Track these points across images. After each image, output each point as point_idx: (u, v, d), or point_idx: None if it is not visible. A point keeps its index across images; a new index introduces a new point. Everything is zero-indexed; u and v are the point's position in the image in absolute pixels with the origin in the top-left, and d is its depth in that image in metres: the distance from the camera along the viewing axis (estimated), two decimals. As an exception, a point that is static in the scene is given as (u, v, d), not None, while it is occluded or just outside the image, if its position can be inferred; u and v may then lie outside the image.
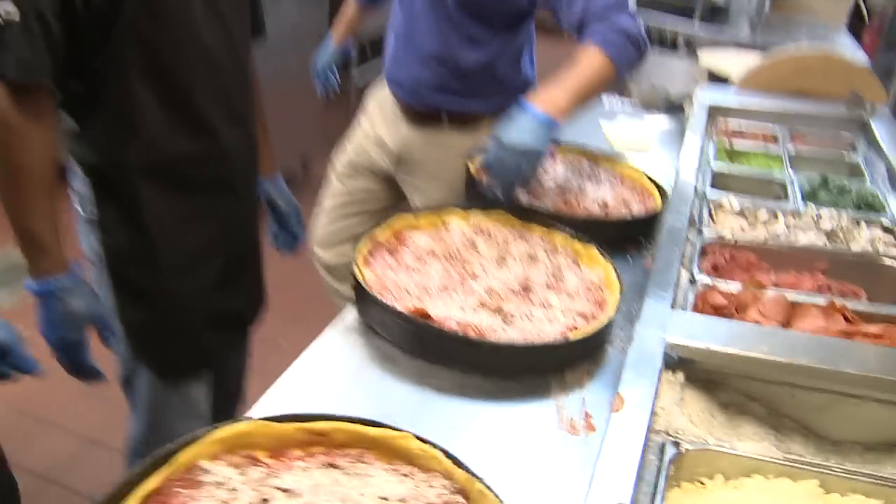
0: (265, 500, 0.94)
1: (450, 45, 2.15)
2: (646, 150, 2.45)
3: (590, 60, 1.82)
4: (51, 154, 1.50)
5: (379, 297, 1.43)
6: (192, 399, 1.81)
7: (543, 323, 1.45)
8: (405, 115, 2.32)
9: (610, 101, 3.10)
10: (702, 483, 1.12)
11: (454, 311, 1.44)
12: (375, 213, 2.50)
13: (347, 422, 1.05)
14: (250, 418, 1.04)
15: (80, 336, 1.58)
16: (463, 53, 2.15)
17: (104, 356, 1.68)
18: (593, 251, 1.69)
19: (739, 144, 2.42)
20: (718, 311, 1.44)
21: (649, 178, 2.11)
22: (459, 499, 0.99)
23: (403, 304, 1.43)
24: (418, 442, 1.04)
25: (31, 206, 1.47)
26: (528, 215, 1.80)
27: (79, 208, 1.68)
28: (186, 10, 1.54)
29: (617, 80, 1.93)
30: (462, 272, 1.58)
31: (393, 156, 2.38)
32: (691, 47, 4.81)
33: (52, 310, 1.53)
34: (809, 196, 2.00)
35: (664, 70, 4.64)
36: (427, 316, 1.40)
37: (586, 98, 1.81)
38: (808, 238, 1.78)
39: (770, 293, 1.50)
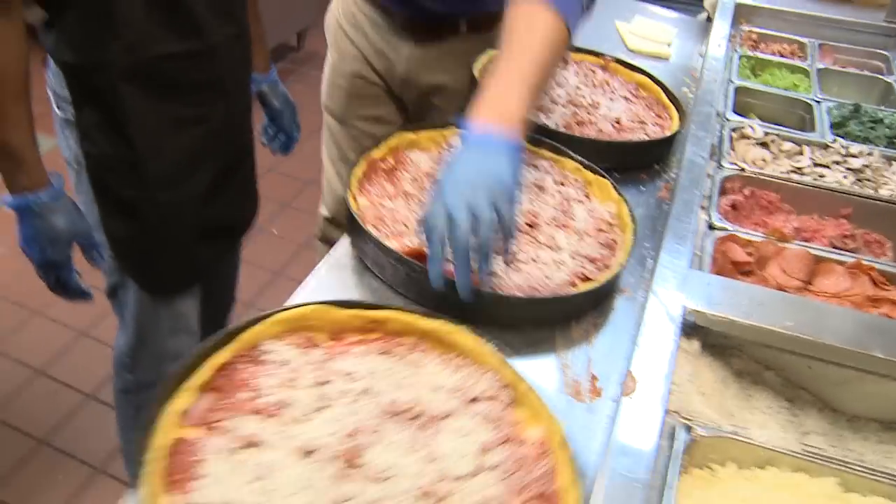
0: (325, 381, 1.00)
1: None
2: (665, 56, 2.27)
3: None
4: (20, 53, 1.33)
5: (373, 230, 1.31)
6: (180, 314, 1.71)
7: (550, 268, 1.33)
8: (407, 31, 2.01)
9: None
10: (711, 469, 1.05)
11: None
12: None
13: (404, 312, 1.10)
14: (311, 303, 1.08)
15: (64, 255, 1.47)
16: None
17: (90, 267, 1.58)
18: (606, 183, 1.56)
19: (764, 53, 2.25)
20: (739, 267, 1.34)
21: (667, 92, 1.95)
22: (506, 394, 1.04)
23: (400, 242, 1.31)
24: (471, 336, 1.08)
25: (2, 115, 1.32)
26: (536, 138, 1.65)
27: (55, 108, 1.52)
28: None
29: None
30: None
31: (396, 77, 2.10)
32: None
33: (32, 227, 1.41)
34: (838, 126, 1.85)
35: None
36: (424, 257, 1.28)
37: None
38: (834, 177, 1.66)
39: (793, 247, 1.39)
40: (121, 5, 1.36)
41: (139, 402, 1.81)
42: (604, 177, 1.55)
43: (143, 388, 1.80)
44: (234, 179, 1.70)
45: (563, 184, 1.57)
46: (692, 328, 1.18)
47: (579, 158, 1.59)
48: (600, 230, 1.45)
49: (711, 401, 1.16)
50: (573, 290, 1.29)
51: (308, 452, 0.92)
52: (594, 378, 1.19)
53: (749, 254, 1.37)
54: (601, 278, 1.32)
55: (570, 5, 1.37)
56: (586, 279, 1.33)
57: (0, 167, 1.37)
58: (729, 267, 1.31)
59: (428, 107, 2.17)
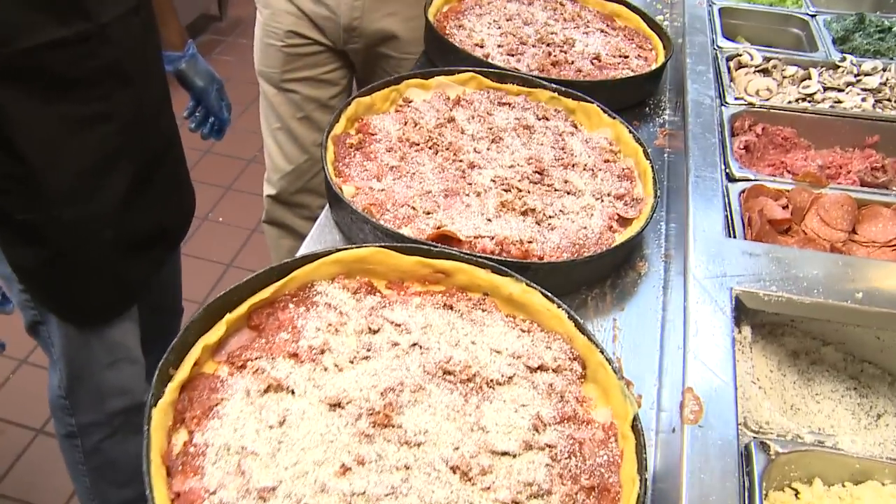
0: (374, 329, 0.91)
1: None
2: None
3: None
4: None
5: (383, 222, 1.07)
6: (116, 343, 1.44)
7: (582, 216, 1.17)
8: None
9: None
10: (796, 490, 0.85)
11: (479, 223, 1.11)
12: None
13: (473, 264, 0.98)
14: (371, 245, 0.98)
15: None
16: None
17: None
18: (591, 108, 1.37)
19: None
20: (777, 225, 1.12)
21: (647, 20, 1.71)
22: (577, 366, 0.91)
23: (416, 229, 1.08)
24: (543, 298, 0.96)
25: None
26: (502, 75, 1.42)
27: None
28: None
29: None
30: (458, 163, 1.22)
31: (339, 29, 1.84)
32: None
33: None
34: (842, 41, 1.64)
35: None
36: (452, 240, 1.06)
37: None
38: (851, 101, 1.45)
39: (830, 193, 1.19)
40: None
41: (87, 445, 1.54)
42: (585, 100, 1.37)
43: (88, 429, 1.52)
44: (158, 178, 1.42)
45: (546, 118, 1.36)
46: (741, 312, 0.96)
47: (552, 86, 1.38)
48: (607, 161, 1.29)
49: (772, 396, 0.96)
50: (617, 237, 1.15)
51: (335, 405, 0.82)
52: (628, 384, 0.97)
53: (782, 207, 1.16)
54: (639, 217, 1.17)
55: None
56: (621, 220, 1.18)
57: None
58: (766, 228, 1.09)
59: (377, 58, 1.91)
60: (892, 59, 1.59)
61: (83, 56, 1.19)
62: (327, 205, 1.19)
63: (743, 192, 1.18)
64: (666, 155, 1.41)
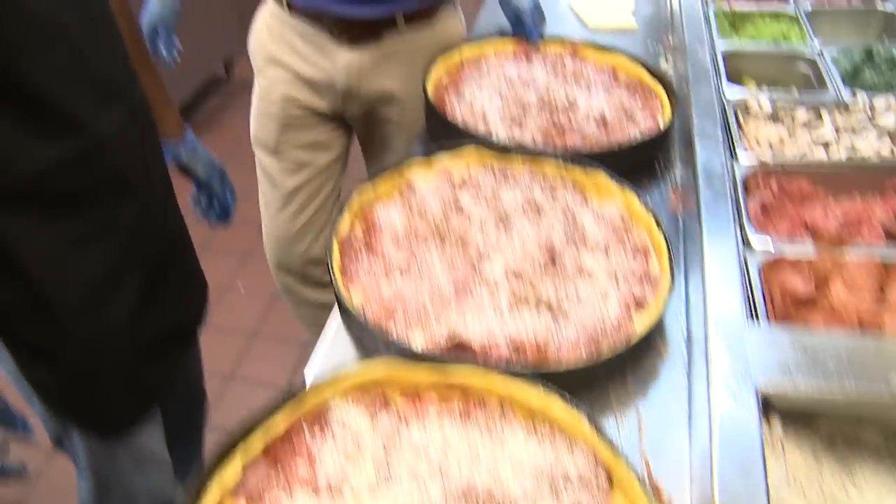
0: (393, 454, 0.90)
1: None
2: (631, 28, 1.99)
3: None
4: None
5: (392, 334, 1.05)
6: (141, 447, 1.43)
7: (598, 301, 1.13)
8: (341, 35, 1.76)
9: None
10: None
11: (492, 321, 1.08)
12: (337, 173, 2.04)
13: (490, 373, 0.97)
14: (384, 361, 0.98)
15: None
16: None
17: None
18: (599, 176, 1.34)
19: (740, 4, 1.98)
20: (800, 300, 1.08)
21: (649, 70, 1.68)
22: (601, 475, 0.89)
23: (428, 336, 1.06)
24: (562, 403, 0.94)
25: None
26: (506, 149, 1.39)
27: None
28: None
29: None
30: (467, 255, 1.19)
31: (337, 94, 1.84)
32: None
33: None
34: (851, 78, 1.60)
35: None
36: (465, 346, 1.03)
37: None
38: (867, 143, 1.41)
39: (853, 255, 1.14)
40: None
41: None
42: (592, 170, 1.35)
43: None
44: (169, 278, 1.41)
45: (554, 192, 1.33)
46: (769, 406, 0.92)
47: (560, 155, 1.36)
48: (619, 234, 1.25)
49: (810, 491, 0.92)
50: (634, 326, 1.10)
51: None
52: (657, 491, 0.93)
53: (804, 278, 1.12)
54: (657, 300, 1.12)
55: None
56: (638, 303, 1.14)
57: None
58: (789, 306, 1.05)
59: (377, 122, 1.90)
60: (905, 94, 1.54)
61: (83, 172, 1.18)
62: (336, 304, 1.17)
63: (763, 263, 1.14)
64: (680, 218, 1.38)
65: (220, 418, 2.40)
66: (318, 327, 1.27)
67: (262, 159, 1.97)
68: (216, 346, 1.88)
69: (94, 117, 1.17)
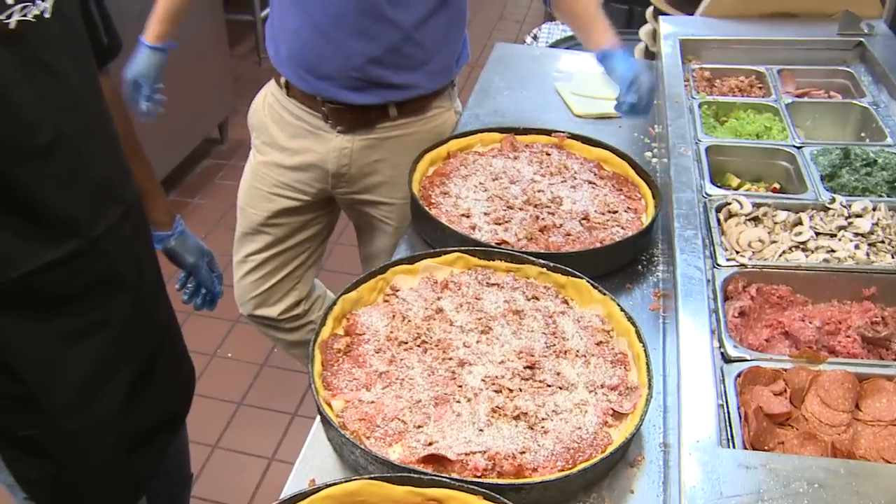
0: None
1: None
2: (617, 116, 2.04)
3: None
4: None
5: (371, 448, 1.06)
6: None
7: (575, 415, 1.15)
8: (335, 120, 1.82)
9: (549, 30, 2.66)
10: None
11: (470, 435, 1.09)
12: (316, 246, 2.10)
13: (465, 490, 0.97)
14: (361, 477, 0.98)
15: None
16: (406, 3, 1.68)
17: None
18: (580, 283, 1.37)
19: (723, 96, 2.03)
20: (776, 419, 1.10)
21: (633, 167, 1.72)
22: None
23: (406, 448, 1.07)
24: None
25: None
26: (490, 253, 1.42)
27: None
28: None
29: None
30: (448, 363, 1.21)
31: (327, 176, 1.90)
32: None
33: None
34: (829, 178, 1.63)
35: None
36: (443, 460, 1.04)
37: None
38: (844, 248, 1.43)
39: (829, 371, 1.16)
40: None
41: None
42: (574, 276, 1.37)
43: None
44: (158, 368, 1.42)
45: (536, 297, 1.35)
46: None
47: (540, 262, 1.38)
48: (599, 343, 1.27)
49: None
50: (612, 438, 1.12)
51: None
52: None
53: (780, 393, 1.13)
54: (634, 413, 1.14)
55: None
56: (616, 414, 1.16)
57: None
58: (764, 425, 1.06)
59: (365, 204, 1.97)
60: (880, 196, 1.57)
61: (77, 272, 1.21)
62: (318, 416, 1.18)
63: (739, 375, 1.15)
64: (662, 322, 1.40)
65: (204, 489, 2.39)
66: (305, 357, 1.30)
67: (245, 227, 2.03)
68: (204, 413, 1.88)
69: (90, 220, 1.20)
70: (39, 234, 1.14)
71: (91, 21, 1.26)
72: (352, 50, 1.68)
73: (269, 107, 1.92)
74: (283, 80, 1.83)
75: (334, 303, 1.27)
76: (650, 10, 2.69)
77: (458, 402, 1.14)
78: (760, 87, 2.10)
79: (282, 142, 1.88)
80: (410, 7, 1.68)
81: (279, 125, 1.89)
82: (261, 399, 2.77)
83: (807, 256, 1.43)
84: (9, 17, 1.04)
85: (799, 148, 1.74)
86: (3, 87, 1.04)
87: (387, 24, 1.67)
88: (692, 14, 2.37)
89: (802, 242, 1.47)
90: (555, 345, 1.25)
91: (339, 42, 1.67)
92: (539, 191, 1.63)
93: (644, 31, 2.78)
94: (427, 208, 1.54)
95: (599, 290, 1.34)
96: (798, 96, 2.02)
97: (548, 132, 1.82)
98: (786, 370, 1.17)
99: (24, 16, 1.05)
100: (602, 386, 1.19)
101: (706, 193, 1.59)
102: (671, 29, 2.24)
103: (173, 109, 2.01)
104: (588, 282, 1.35)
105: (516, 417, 1.12)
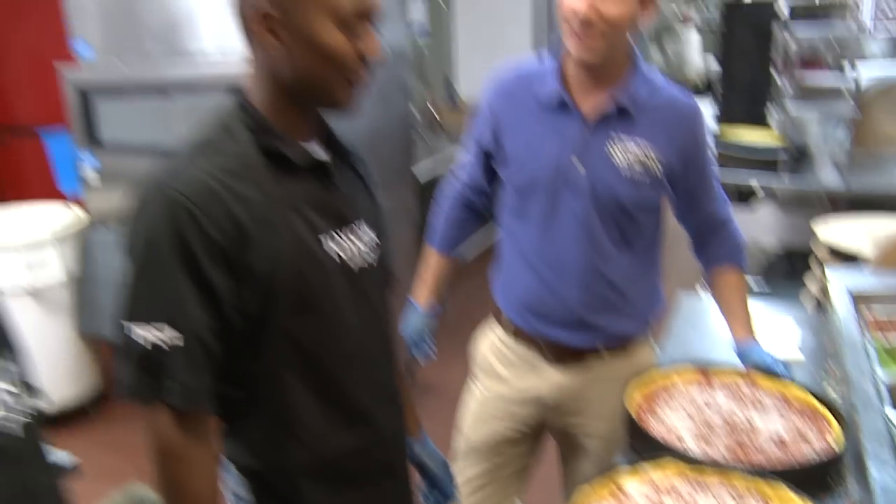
0: None
1: (602, 256, 2.06)
2: (799, 361, 2.30)
3: (738, 281, 2.20)
4: (216, 476, 1.44)
5: None
6: None
7: None
8: (553, 357, 2.18)
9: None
10: None
11: None
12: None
13: None
14: None
15: None
16: (616, 262, 2.08)
17: None
18: (784, 492, 1.57)
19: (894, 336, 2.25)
20: None
21: (818, 398, 1.95)
22: None
23: None
24: None
25: None
26: (701, 462, 1.67)
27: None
28: (332, 298, 1.49)
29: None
30: None
31: (547, 408, 2.24)
32: (774, 199, 4.72)
33: None
34: None
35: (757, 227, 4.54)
36: None
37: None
38: None
39: None
40: (297, 408, 1.48)
41: None
42: (779, 484, 1.57)
43: None
44: None
45: (742, 500, 1.57)
46: None
47: (746, 470, 1.61)
48: None
49: None
50: None
51: None
52: None
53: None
54: None
55: (743, 259, 2.21)
56: None
57: None
58: None
59: (577, 434, 2.26)
60: None
61: (367, 456, 1.60)
62: None
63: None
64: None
65: None
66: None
67: (461, 445, 2.33)
68: None
69: (379, 415, 1.60)
70: (347, 422, 1.54)
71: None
72: (571, 300, 2.08)
73: (491, 346, 2.30)
74: (509, 323, 2.23)
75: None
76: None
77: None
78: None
79: (504, 374, 2.25)
80: (617, 262, 2.08)
81: (502, 362, 2.26)
82: None
83: None
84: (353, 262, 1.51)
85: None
86: (341, 305, 1.50)
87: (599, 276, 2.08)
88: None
89: None
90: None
91: (563, 294, 2.09)
92: (736, 418, 1.89)
93: (810, 282, 3.05)
94: (646, 429, 1.82)
95: (800, 495, 1.54)
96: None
97: (738, 371, 2.10)
98: None
99: (363, 264, 1.53)
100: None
101: (890, 420, 1.79)
102: (841, 283, 2.52)
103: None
104: (790, 489, 1.56)
105: None
